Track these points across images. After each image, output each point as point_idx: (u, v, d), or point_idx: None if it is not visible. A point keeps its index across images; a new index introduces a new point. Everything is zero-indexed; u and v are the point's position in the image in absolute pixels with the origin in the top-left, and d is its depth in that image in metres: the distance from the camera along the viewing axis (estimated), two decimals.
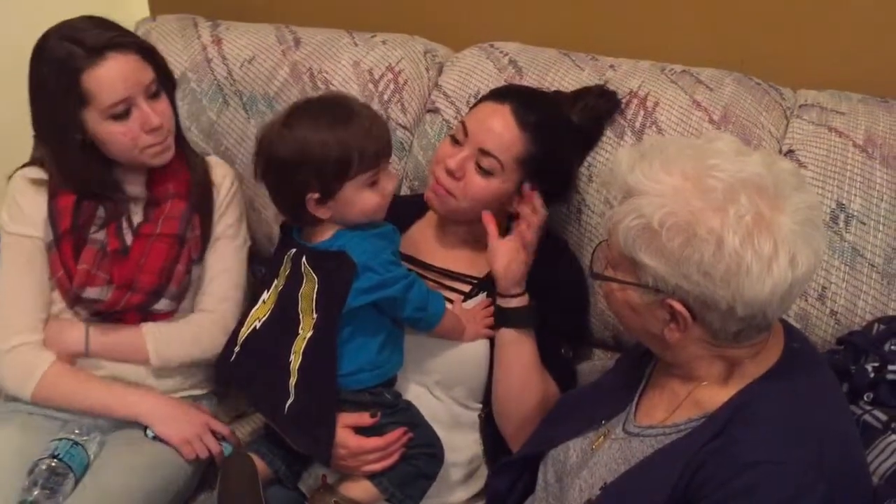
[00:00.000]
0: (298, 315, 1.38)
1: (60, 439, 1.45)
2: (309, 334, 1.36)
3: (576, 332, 1.58)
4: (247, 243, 1.66)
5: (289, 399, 1.35)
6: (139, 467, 1.47)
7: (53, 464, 1.40)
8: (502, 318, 1.44)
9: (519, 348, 1.42)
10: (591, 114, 1.55)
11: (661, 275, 1.03)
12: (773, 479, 0.96)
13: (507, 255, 1.42)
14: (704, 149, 1.06)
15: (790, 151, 1.50)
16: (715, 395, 1.08)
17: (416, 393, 1.48)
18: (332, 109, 1.36)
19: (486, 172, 1.44)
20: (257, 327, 1.43)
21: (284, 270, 1.43)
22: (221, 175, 1.64)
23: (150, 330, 1.54)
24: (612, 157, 1.55)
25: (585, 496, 1.10)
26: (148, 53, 1.49)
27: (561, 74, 1.67)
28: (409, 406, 1.44)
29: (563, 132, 1.50)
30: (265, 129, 1.39)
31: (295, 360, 1.36)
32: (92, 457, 1.47)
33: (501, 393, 1.44)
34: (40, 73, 1.45)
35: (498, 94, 1.49)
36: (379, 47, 1.83)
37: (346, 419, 1.36)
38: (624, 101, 1.59)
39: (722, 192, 1.01)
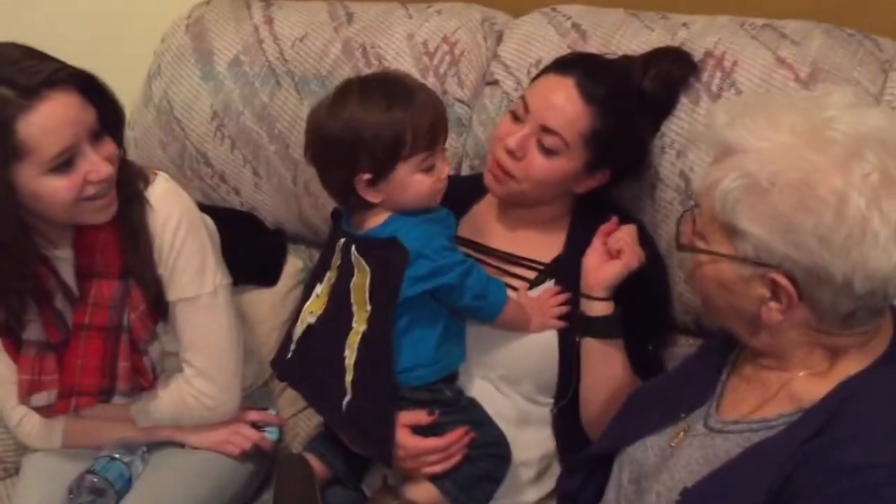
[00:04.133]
0: (351, 308, 1.30)
1: (99, 458, 1.43)
2: (363, 328, 1.28)
3: (660, 325, 1.46)
4: (222, 285, 1.40)
5: (346, 397, 1.28)
6: (189, 475, 1.43)
7: (94, 479, 1.38)
8: (585, 326, 1.33)
9: (606, 360, 1.32)
10: (665, 81, 1.42)
11: (765, 243, 0.91)
12: (893, 482, 0.84)
13: (600, 257, 1.32)
14: (817, 101, 0.94)
15: (891, 110, 1.34)
16: (813, 388, 0.95)
17: (480, 388, 1.38)
18: (385, 87, 1.27)
19: (549, 152, 1.32)
20: (312, 323, 1.36)
21: (336, 261, 1.35)
22: (161, 221, 1.33)
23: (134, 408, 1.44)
24: (691, 121, 1.42)
25: (664, 503, 0.98)
26: (89, 85, 1.23)
27: (629, 37, 1.54)
28: (472, 403, 1.35)
29: (633, 103, 1.37)
30: (315, 108, 1.32)
31: (350, 356, 1.29)
32: (135, 471, 1.43)
33: (590, 405, 1.34)
34: None
35: (560, 65, 1.37)
36: (433, 18, 1.73)
37: (403, 418, 1.29)
38: (699, 61, 1.45)
39: (843, 147, 0.89)
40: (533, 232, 1.44)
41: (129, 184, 1.33)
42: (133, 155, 1.87)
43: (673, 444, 1.06)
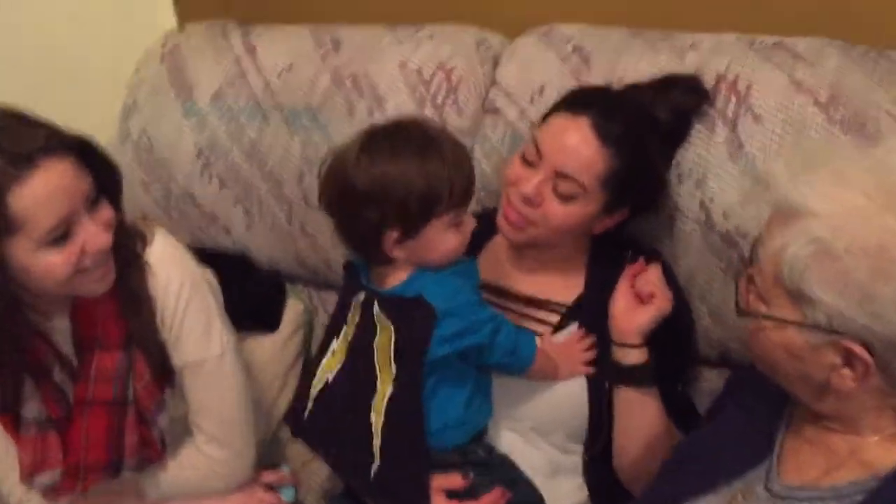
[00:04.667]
0: (375, 369, 1.24)
1: None
2: (389, 390, 1.22)
3: (686, 363, 1.42)
4: (229, 346, 1.34)
5: (374, 463, 1.22)
6: None
7: None
8: (619, 375, 1.28)
9: (643, 408, 1.28)
10: (677, 111, 1.36)
11: (839, 312, 0.87)
12: None
13: (630, 302, 1.27)
14: (882, 159, 0.90)
15: None
16: (886, 454, 0.92)
17: (509, 442, 1.33)
18: (417, 137, 1.19)
19: (566, 198, 1.27)
20: (329, 380, 1.29)
21: (354, 318, 1.28)
22: (163, 285, 1.26)
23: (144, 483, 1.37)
24: (708, 149, 1.37)
25: None
26: (85, 152, 1.15)
27: (634, 60, 1.48)
28: (504, 461, 1.30)
29: (649, 138, 1.32)
30: (337, 155, 1.23)
31: (377, 420, 1.23)
32: None
33: (625, 453, 1.30)
34: None
35: (572, 105, 1.30)
36: (426, 43, 1.66)
37: (437, 482, 1.23)
38: (711, 87, 1.40)
39: None
40: (551, 273, 1.39)
41: (127, 246, 1.25)
42: None
43: None
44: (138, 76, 1.88)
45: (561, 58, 1.54)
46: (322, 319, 1.76)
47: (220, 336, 1.33)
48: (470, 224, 1.23)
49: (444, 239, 1.20)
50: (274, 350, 1.68)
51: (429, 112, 1.60)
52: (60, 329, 1.27)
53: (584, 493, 1.35)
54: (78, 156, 1.14)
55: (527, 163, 1.30)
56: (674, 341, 1.34)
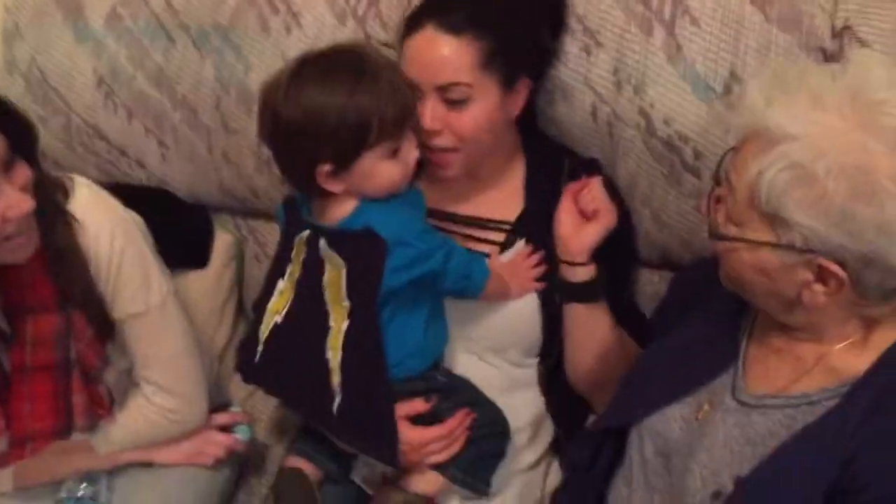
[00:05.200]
0: (325, 306, 1.20)
1: (60, 499, 1.32)
2: (344, 325, 1.19)
3: (631, 271, 1.43)
4: (170, 292, 1.27)
5: (335, 400, 1.20)
6: (168, 495, 1.34)
7: None
8: (568, 293, 1.27)
9: (594, 322, 1.28)
10: None
11: (816, 233, 0.88)
12: None
13: (575, 220, 1.25)
14: (858, 78, 0.89)
15: (845, 27, 1.31)
16: (853, 361, 0.95)
17: (465, 363, 1.33)
18: (348, 66, 1.14)
19: (461, 102, 1.22)
20: (279, 322, 1.25)
21: (298, 255, 1.23)
22: (93, 236, 1.18)
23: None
24: (645, 53, 1.34)
25: (712, 487, 0.97)
26: None
27: None
28: (464, 383, 1.30)
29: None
30: (268, 85, 1.18)
31: (334, 356, 1.20)
32: (104, 501, 1.33)
33: (578, 367, 1.31)
34: None
35: (410, 23, 1.24)
36: None
37: (400, 410, 1.22)
38: None
39: None
40: (491, 190, 1.36)
41: (48, 202, 1.15)
42: None
43: (700, 417, 1.05)
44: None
45: None
46: (253, 250, 1.69)
47: (160, 283, 1.26)
48: (411, 153, 1.19)
49: (381, 170, 1.16)
50: (206, 286, 1.61)
51: (350, 26, 1.51)
52: None
53: (540, 403, 1.38)
54: None
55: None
56: (618, 252, 1.34)
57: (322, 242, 1.20)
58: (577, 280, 1.27)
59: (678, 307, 1.28)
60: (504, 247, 1.34)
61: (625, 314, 1.35)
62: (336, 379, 1.20)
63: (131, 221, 1.25)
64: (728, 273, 1.01)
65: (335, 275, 1.19)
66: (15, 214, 1.05)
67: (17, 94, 1.66)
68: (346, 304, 1.19)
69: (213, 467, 1.38)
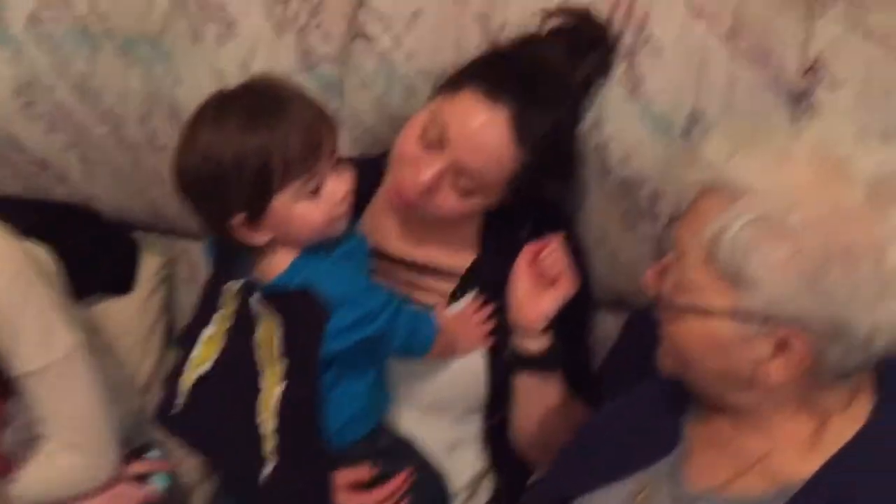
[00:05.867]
0: (257, 365, 1.10)
1: None
2: (278, 389, 1.09)
3: (586, 321, 1.34)
4: (77, 345, 1.18)
5: (266, 466, 1.11)
6: None
7: None
8: (520, 363, 1.18)
9: (545, 392, 1.19)
10: (592, 78, 1.22)
11: (783, 296, 0.79)
12: None
13: (531, 286, 1.14)
14: (825, 133, 0.83)
15: (817, 63, 1.21)
16: (797, 466, 0.86)
17: (407, 420, 1.24)
18: (243, 104, 1.03)
19: (465, 192, 1.12)
20: (205, 374, 1.15)
21: (228, 306, 1.14)
22: None
23: None
24: (604, 87, 1.24)
25: None
26: None
27: None
28: (407, 446, 1.22)
29: (568, 123, 1.17)
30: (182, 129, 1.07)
31: (267, 421, 1.11)
32: None
33: (525, 434, 1.22)
34: None
35: (491, 82, 1.10)
36: None
37: (343, 478, 1.14)
38: (607, 12, 1.26)
39: (872, 189, 0.78)
40: (444, 235, 1.25)
41: None
42: None
43: (637, 503, 0.97)
44: None
45: None
46: (184, 272, 1.59)
47: (64, 334, 1.16)
48: (339, 189, 1.07)
49: (300, 212, 1.05)
50: (131, 314, 1.50)
51: (290, 38, 1.39)
52: None
53: (481, 462, 1.29)
54: None
55: (426, 141, 1.12)
56: (574, 302, 1.24)
57: (255, 297, 1.10)
58: (531, 351, 1.17)
59: (631, 354, 1.20)
60: (452, 298, 1.24)
61: (579, 369, 1.27)
62: (268, 445, 1.11)
63: (31, 269, 1.15)
64: (673, 351, 0.92)
65: (269, 334, 1.09)
66: None
67: None
68: (281, 364, 1.09)
69: None
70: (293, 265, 1.07)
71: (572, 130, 1.19)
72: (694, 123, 1.22)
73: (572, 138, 1.20)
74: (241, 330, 1.11)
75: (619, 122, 1.25)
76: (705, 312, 0.85)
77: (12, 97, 1.49)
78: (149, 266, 1.53)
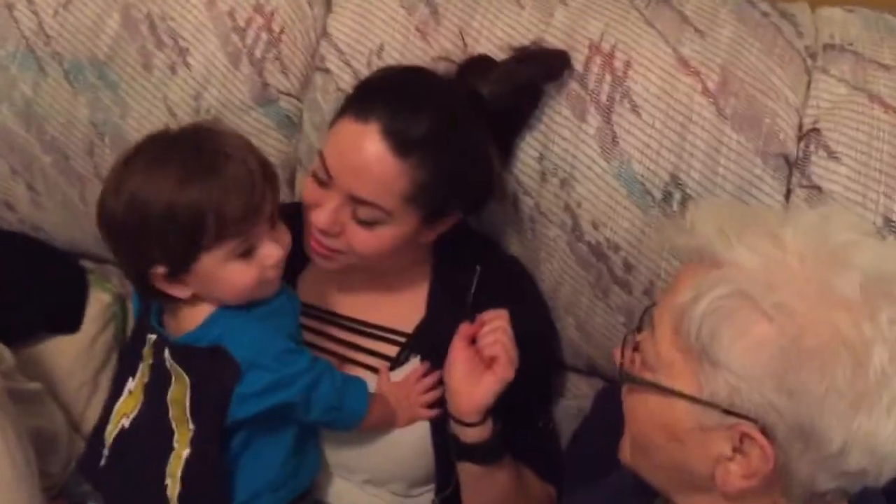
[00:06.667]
0: (171, 424, 1.02)
1: None
2: (185, 452, 1.01)
3: (549, 392, 1.23)
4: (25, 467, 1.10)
5: None
6: None
7: None
8: (459, 452, 1.08)
9: (489, 482, 1.09)
10: (511, 83, 1.10)
11: (746, 383, 0.71)
12: None
13: (468, 370, 1.04)
14: (817, 225, 0.76)
15: (813, 130, 1.09)
16: None
17: (339, 490, 1.15)
18: (183, 152, 0.96)
19: (369, 224, 1.03)
20: (125, 426, 1.08)
21: (147, 359, 1.06)
22: None
23: None
24: (577, 141, 1.13)
25: None
26: None
27: (491, 18, 1.20)
28: None
29: (464, 127, 1.06)
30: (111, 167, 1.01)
31: (172, 486, 1.03)
32: None
33: None
34: None
35: (359, 104, 1.03)
36: None
37: None
38: (584, 58, 1.14)
39: (865, 286, 0.71)
40: (388, 292, 1.16)
41: None
42: None
43: None
44: None
45: (405, 7, 1.24)
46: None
47: (16, 445, 1.09)
48: (272, 254, 0.98)
49: (228, 274, 0.97)
50: (78, 353, 1.41)
51: (245, 69, 1.29)
52: None
53: None
54: None
55: (319, 183, 1.05)
56: (533, 368, 1.12)
57: (167, 353, 1.02)
58: (469, 441, 1.07)
59: (600, 431, 1.10)
60: (396, 363, 1.14)
61: (539, 450, 1.18)
62: None
63: None
64: (634, 434, 0.83)
65: (180, 392, 1.01)
66: None
67: None
68: (192, 427, 1.01)
69: None
70: (208, 320, 0.99)
71: (467, 138, 1.06)
72: (674, 189, 1.10)
73: (472, 148, 1.07)
74: (157, 385, 1.03)
75: (591, 182, 1.14)
76: (662, 391, 0.77)
77: None
78: (97, 303, 1.44)
